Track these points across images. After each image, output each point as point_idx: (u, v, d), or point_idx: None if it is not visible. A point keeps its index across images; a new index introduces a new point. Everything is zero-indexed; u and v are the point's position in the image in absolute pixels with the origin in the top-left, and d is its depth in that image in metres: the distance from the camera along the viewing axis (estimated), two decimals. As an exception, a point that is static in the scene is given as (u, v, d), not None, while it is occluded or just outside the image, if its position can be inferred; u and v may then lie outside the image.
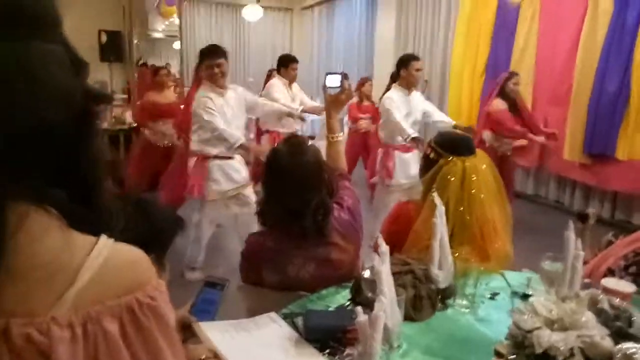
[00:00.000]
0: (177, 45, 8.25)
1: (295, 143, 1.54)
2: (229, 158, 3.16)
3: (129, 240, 0.66)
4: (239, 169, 3.23)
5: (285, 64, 4.54)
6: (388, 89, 3.65)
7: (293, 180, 1.44)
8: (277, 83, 4.50)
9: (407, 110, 3.53)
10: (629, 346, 0.88)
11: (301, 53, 10.48)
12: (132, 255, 0.62)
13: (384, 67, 7.10)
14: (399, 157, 3.56)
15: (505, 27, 5.45)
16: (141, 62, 8.47)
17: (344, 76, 1.79)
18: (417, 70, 3.53)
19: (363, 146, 5.66)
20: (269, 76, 5.65)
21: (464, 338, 1.28)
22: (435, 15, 6.61)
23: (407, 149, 3.58)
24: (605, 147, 4.33)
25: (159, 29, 8.96)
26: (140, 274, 0.61)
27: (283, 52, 10.92)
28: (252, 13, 9.25)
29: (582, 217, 2.11)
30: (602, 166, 4.44)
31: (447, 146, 1.68)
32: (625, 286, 1.28)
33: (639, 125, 4.10)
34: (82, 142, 0.61)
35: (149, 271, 0.63)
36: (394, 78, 3.63)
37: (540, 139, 4.10)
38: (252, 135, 5.72)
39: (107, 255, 0.58)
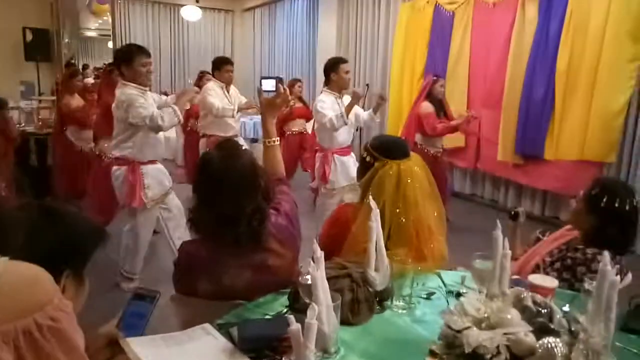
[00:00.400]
0: (111, 44, 7.91)
1: (228, 147, 1.49)
2: (155, 162, 3.14)
3: (34, 255, 0.60)
4: (166, 172, 3.21)
5: (219, 67, 4.45)
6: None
7: (226, 186, 1.39)
8: (213, 87, 4.42)
9: (347, 127, 3.56)
10: (549, 340, 0.91)
11: (242, 55, 10.38)
12: (29, 273, 0.57)
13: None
14: (338, 160, 3.58)
15: (441, 34, 5.66)
16: (72, 61, 8.04)
17: (279, 80, 1.76)
18: (347, 72, 3.54)
19: (299, 147, 5.68)
20: (200, 77, 5.54)
21: (400, 339, 1.29)
22: (375, 20, 6.74)
23: (345, 152, 3.61)
24: (535, 148, 4.59)
25: (92, 27, 8.54)
26: (39, 294, 0.57)
27: (224, 53, 10.78)
28: (191, 13, 9.03)
29: (513, 216, 2.20)
30: (532, 166, 4.70)
31: (382, 150, 1.70)
32: (549, 282, 1.34)
33: (563, 128, 4.38)
34: None
35: (50, 290, 0.58)
36: (326, 83, 3.61)
37: (459, 121, 4.29)
38: (181, 141, 5.63)
39: None
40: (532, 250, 1.87)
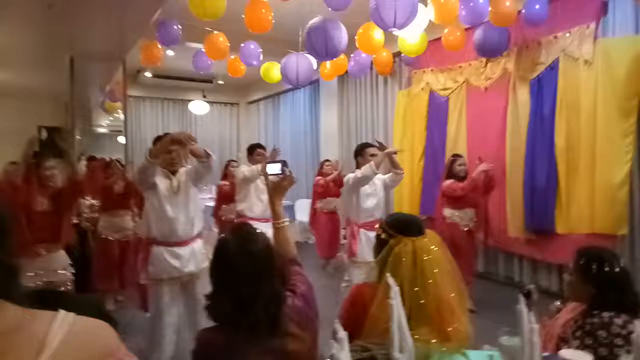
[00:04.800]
0: (122, 139, 8.23)
1: (244, 231, 1.50)
2: (174, 245, 3.01)
3: None
4: (183, 255, 3.03)
5: (251, 151, 4.69)
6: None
7: (242, 270, 1.38)
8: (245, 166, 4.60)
9: (371, 191, 3.76)
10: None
11: (248, 144, 10.72)
12: (96, 322, 0.62)
13: (330, 154, 7.38)
14: (364, 235, 3.65)
15: (437, 118, 5.91)
16: (83, 157, 8.30)
17: (284, 164, 1.84)
18: (372, 155, 3.77)
19: (333, 224, 6.05)
20: (226, 166, 5.87)
21: None
22: (374, 107, 7.07)
23: (371, 226, 3.65)
24: (544, 223, 4.60)
25: (103, 124, 8.94)
26: (109, 340, 0.62)
27: (230, 143, 11.17)
28: (198, 108, 9.51)
29: (526, 294, 2.15)
30: (545, 241, 4.66)
31: (396, 227, 1.70)
32: (582, 357, 1.28)
33: (571, 202, 4.42)
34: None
35: (117, 338, 0.64)
36: (356, 166, 3.87)
37: (482, 167, 4.30)
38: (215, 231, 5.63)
39: (72, 323, 0.58)
40: (552, 322, 1.82)
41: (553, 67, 4.60)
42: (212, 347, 1.40)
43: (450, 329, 1.54)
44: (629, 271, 1.74)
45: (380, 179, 3.84)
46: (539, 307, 2.16)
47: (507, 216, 4.87)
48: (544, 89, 4.67)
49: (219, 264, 1.45)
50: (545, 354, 1.35)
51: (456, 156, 4.53)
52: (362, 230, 3.69)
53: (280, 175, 1.83)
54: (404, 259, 1.62)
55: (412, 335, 1.39)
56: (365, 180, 3.63)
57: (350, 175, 3.70)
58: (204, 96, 9.74)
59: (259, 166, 4.33)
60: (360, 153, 3.83)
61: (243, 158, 5.78)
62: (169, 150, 2.99)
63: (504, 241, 5.01)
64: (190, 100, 9.65)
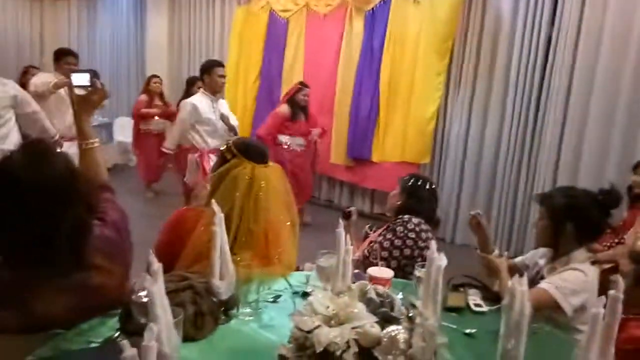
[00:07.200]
0: None
1: (36, 150, 1.23)
2: None
3: None
4: None
5: (58, 58, 3.89)
6: (187, 92, 3.68)
7: (36, 198, 1.14)
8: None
9: (214, 117, 3.70)
10: (392, 328, 0.95)
11: (54, 49, 9.12)
12: None
13: (158, 68, 6.75)
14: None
15: (275, 40, 5.76)
16: None
17: (94, 74, 1.56)
18: (220, 76, 3.66)
19: (158, 150, 5.45)
20: (24, 73, 4.79)
21: (248, 348, 1.23)
22: (210, 21, 6.61)
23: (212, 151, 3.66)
24: (363, 152, 5.02)
25: None
26: None
27: (32, 46, 9.36)
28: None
29: (346, 215, 2.34)
30: (361, 168, 5.13)
31: (242, 149, 1.66)
32: (385, 273, 1.43)
33: (387, 133, 4.88)
34: None
35: None
36: (191, 83, 3.66)
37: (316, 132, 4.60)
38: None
39: None
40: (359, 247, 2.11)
41: (386, 2, 4.80)
42: None
43: (275, 253, 1.57)
44: (436, 192, 2.27)
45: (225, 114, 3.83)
46: (356, 228, 2.38)
47: (331, 144, 5.16)
48: (376, 22, 4.87)
49: (2, 191, 1.18)
50: (356, 271, 1.47)
51: (303, 85, 4.58)
52: (211, 155, 3.64)
53: (90, 88, 1.55)
54: (241, 180, 1.59)
55: (234, 260, 1.37)
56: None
57: (188, 102, 3.63)
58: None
59: (53, 79, 3.71)
60: (208, 71, 3.66)
61: (48, 64, 4.85)
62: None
63: (328, 167, 5.35)
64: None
